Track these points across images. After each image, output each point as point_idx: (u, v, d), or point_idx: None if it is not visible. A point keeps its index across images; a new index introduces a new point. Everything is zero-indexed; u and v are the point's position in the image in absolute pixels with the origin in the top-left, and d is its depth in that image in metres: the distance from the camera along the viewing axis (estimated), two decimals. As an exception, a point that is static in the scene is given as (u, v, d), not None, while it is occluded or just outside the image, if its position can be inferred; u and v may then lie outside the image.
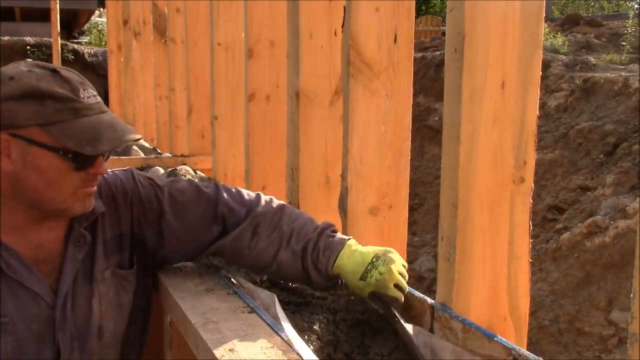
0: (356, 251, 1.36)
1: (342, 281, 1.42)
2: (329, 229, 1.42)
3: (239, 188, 1.53)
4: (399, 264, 1.34)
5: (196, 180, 2.14)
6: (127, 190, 1.43)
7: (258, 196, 1.50)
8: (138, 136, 1.29)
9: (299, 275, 1.42)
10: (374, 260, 1.33)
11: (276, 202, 1.49)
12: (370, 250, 1.36)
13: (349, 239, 1.40)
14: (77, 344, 1.34)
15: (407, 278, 1.36)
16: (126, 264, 1.43)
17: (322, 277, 1.39)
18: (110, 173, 1.46)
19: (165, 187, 1.46)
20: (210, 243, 1.46)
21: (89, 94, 1.26)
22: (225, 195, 1.48)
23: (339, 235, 1.42)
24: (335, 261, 1.36)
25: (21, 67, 1.25)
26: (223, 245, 1.45)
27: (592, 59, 6.83)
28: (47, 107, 1.20)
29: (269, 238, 1.42)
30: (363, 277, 1.32)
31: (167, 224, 1.44)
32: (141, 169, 3.07)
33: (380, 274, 1.31)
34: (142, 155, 3.62)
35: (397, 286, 1.32)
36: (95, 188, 1.31)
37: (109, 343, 1.40)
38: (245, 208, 1.46)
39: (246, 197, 1.49)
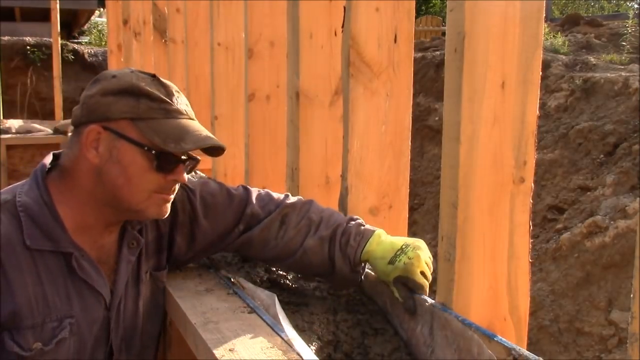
0: (386, 239, 1.39)
1: (362, 279, 1.43)
2: (358, 219, 1.45)
3: (267, 190, 1.56)
4: (426, 255, 1.36)
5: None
6: None
7: (286, 195, 1.54)
8: (223, 145, 1.32)
9: (324, 263, 1.42)
10: (403, 247, 1.35)
11: (304, 199, 1.53)
12: (400, 239, 1.39)
13: (379, 229, 1.42)
14: (124, 345, 1.37)
15: (432, 270, 1.37)
16: (162, 266, 1.46)
17: (347, 264, 1.40)
18: None
19: (197, 190, 1.48)
20: (233, 240, 1.48)
21: (182, 102, 1.31)
22: (254, 196, 1.51)
23: (369, 225, 1.44)
24: (364, 247, 1.38)
25: (124, 70, 1.32)
26: (250, 238, 1.47)
27: (592, 59, 6.83)
28: (141, 104, 1.25)
29: (297, 227, 1.44)
30: (392, 261, 1.34)
31: (199, 226, 1.46)
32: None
33: (409, 258, 1.33)
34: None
35: (423, 274, 1.34)
36: (171, 196, 1.32)
37: (147, 344, 1.43)
38: (274, 205, 1.49)
39: (275, 196, 1.52)
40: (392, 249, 1.36)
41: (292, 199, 1.51)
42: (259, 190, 1.54)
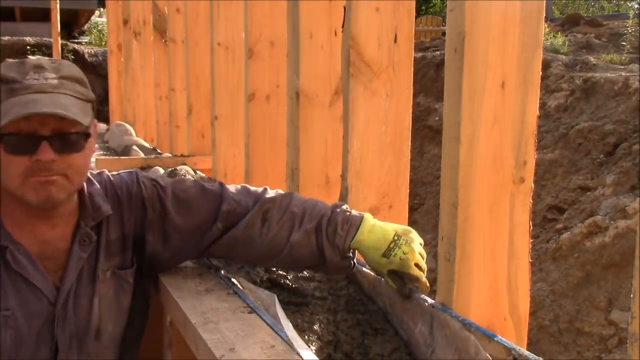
0: (376, 226, 1.37)
1: (354, 263, 1.41)
2: (343, 205, 1.43)
3: (245, 184, 1.53)
4: (418, 244, 1.35)
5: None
6: (132, 193, 1.44)
7: (265, 188, 1.51)
8: (51, 111, 1.21)
9: (313, 255, 1.40)
10: (395, 238, 1.33)
11: (283, 192, 1.50)
12: (390, 227, 1.37)
13: (366, 214, 1.40)
14: (75, 343, 1.35)
15: (425, 257, 1.36)
16: (127, 265, 1.44)
17: (337, 254, 1.37)
18: (115, 175, 1.47)
19: (169, 187, 1.46)
20: (214, 239, 1.45)
21: (40, 77, 1.24)
22: (230, 190, 1.48)
23: (355, 211, 1.42)
24: (355, 236, 1.36)
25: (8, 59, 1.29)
26: (234, 237, 1.44)
27: (592, 59, 6.83)
28: None
29: (279, 222, 1.42)
30: (386, 255, 1.32)
31: (171, 223, 1.44)
32: (141, 169, 3.07)
33: (404, 253, 1.32)
34: (142, 155, 3.62)
35: (417, 265, 1.33)
36: (52, 178, 1.25)
37: (107, 345, 1.40)
38: (252, 199, 1.46)
39: (252, 190, 1.49)
40: (384, 238, 1.33)
41: (270, 193, 1.47)
42: (235, 186, 1.51)
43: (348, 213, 1.39)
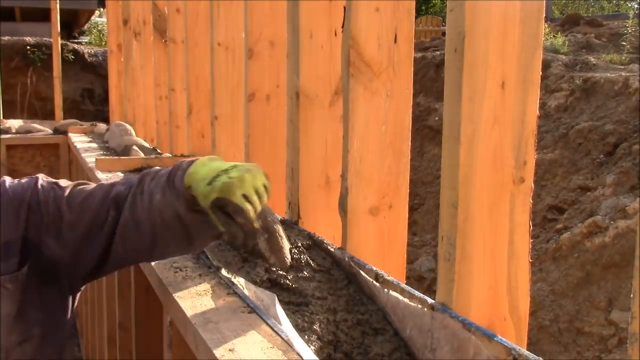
0: (216, 161, 1.26)
1: (220, 228, 1.27)
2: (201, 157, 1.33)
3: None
4: (257, 179, 1.23)
5: None
6: (24, 198, 1.37)
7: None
8: None
9: (173, 217, 1.28)
10: (229, 168, 1.22)
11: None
12: (233, 163, 1.26)
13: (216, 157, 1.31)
14: None
15: (264, 199, 1.24)
16: (9, 270, 1.32)
17: (180, 202, 1.26)
18: (14, 181, 1.42)
19: (68, 188, 1.41)
20: (112, 230, 1.36)
21: None
22: (124, 179, 1.43)
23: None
24: (188, 170, 1.25)
25: None
26: (125, 222, 1.35)
27: (592, 59, 6.83)
28: None
29: (149, 189, 1.34)
30: (211, 182, 1.20)
31: (65, 223, 1.37)
32: (141, 169, 3.07)
33: (230, 178, 1.19)
34: (142, 155, 3.62)
35: (247, 198, 1.20)
36: None
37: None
38: (137, 178, 1.39)
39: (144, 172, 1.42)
40: (217, 169, 1.22)
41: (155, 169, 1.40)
42: (132, 174, 1.48)
43: (198, 159, 1.30)
